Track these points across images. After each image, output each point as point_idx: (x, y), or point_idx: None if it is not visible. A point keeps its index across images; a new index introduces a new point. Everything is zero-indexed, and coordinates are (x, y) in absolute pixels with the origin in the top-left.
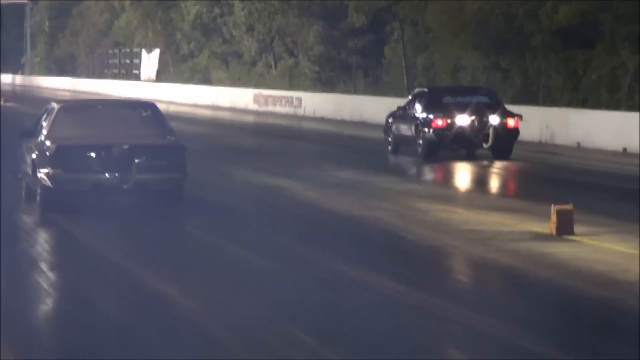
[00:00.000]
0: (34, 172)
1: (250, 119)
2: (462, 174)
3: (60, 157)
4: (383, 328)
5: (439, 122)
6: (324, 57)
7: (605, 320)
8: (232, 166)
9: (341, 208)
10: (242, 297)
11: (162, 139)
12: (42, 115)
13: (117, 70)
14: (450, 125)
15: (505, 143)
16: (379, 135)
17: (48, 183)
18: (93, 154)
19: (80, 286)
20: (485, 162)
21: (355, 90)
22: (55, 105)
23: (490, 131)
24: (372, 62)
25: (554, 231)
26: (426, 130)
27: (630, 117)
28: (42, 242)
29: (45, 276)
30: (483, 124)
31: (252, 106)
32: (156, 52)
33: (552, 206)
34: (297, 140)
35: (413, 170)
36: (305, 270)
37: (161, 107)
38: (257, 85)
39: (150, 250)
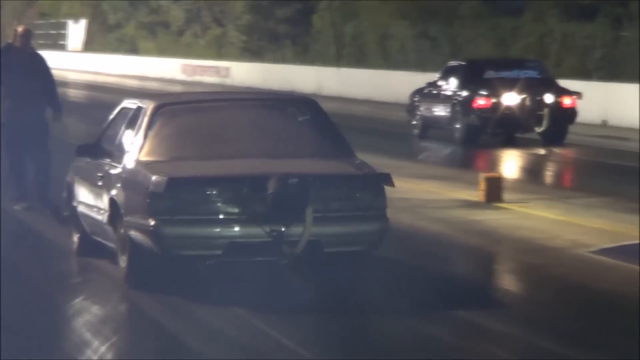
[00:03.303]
0: (114, 220)
1: (178, 89)
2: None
3: (172, 200)
4: (305, 298)
5: (482, 102)
6: (252, 26)
7: (533, 286)
8: None
9: None
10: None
11: (347, 165)
12: (117, 120)
13: (43, 41)
14: (496, 106)
15: (560, 126)
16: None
17: (149, 243)
18: (230, 194)
19: None
20: (543, 151)
21: (284, 60)
22: (144, 104)
23: (545, 112)
24: (300, 31)
25: (482, 199)
26: (466, 111)
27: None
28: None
29: None
30: (536, 103)
31: (180, 76)
32: (83, 23)
33: (481, 174)
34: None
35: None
36: None
37: (88, 77)
38: (185, 55)
39: None
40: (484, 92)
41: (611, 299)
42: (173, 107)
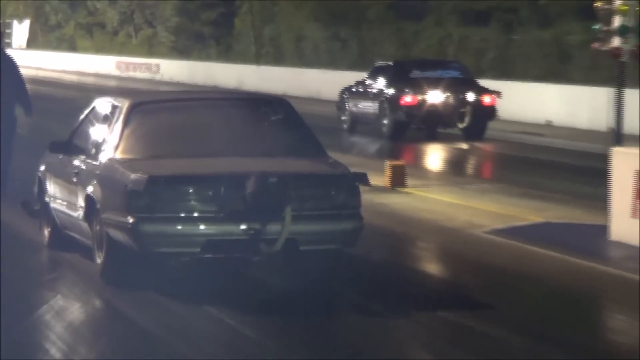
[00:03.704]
0: (89, 217)
1: (112, 83)
2: None
3: (151, 197)
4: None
5: (409, 99)
6: (180, 27)
7: (433, 262)
8: None
9: None
10: None
11: (323, 164)
12: (90, 118)
13: None
14: (422, 103)
15: (480, 122)
16: None
17: (127, 241)
18: (209, 192)
19: None
20: (465, 146)
21: (209, 58)
22: (119, 102)
23: (467, 110)
24: (223, 32)
25: (388, 184)
26: (393, 108)
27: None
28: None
29: None
30: (459, 101)
31: (115, 72)
32: (26, 23)
33: (387, 162)
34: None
35: None
36: None
37: (30, 72)
38: (119, 53)
39: None
40: (410, 90)
41: (502, 273)
42: (149, 106)
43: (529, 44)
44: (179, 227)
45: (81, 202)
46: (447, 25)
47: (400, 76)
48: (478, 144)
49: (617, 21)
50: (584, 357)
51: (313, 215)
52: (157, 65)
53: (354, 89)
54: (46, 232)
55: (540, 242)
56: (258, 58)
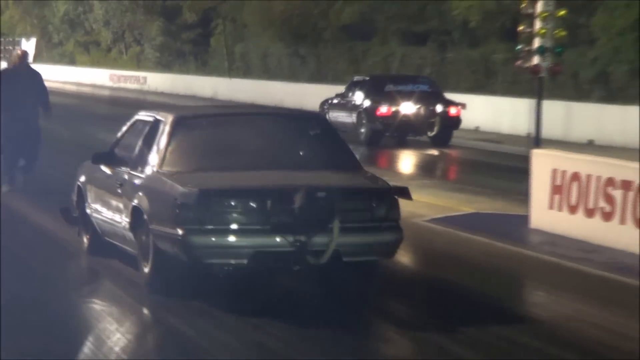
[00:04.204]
0: (135, 227)
1: (106, 93)
2: None
3: (201, 210)
4: None
5: (384, 110)
6: (164, 45)
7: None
8: (92, 128)
9: None
10: None
11: (363, 178)
12: (132, 131)
13: (1, 55)
14: (396, 114)
15: (446, 131)
16: (202, 103)
17: (176, 252)
18: (257, 205)
19: None
20: (435, 152)
21: (188, 71)
22: (162, 116)
23: (436, 120)
24: (200, 49)
25: None
26: (370, 118)
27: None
28: None
29: None
30: (429, 112)
31: (108, 83)
32: (33, 40)
33: None
34: (142, 109)
35: None
36: None
37: None
38: (112, 66)
39: None
40: (385, 102)
41: (440, 256)
42: (192, 120)
43: (460, 61)
44: (228, 239)
45: (126, 212)
46: (391, 44)
47: (375, 89)
48: (445, 150)
49: (537, 42)
50: (505, 324)
51: (356, 227)
52: (145, 78)
53: (333, 101)
54: (85, 239)
55: (471, 229)
56: (230, 72)
